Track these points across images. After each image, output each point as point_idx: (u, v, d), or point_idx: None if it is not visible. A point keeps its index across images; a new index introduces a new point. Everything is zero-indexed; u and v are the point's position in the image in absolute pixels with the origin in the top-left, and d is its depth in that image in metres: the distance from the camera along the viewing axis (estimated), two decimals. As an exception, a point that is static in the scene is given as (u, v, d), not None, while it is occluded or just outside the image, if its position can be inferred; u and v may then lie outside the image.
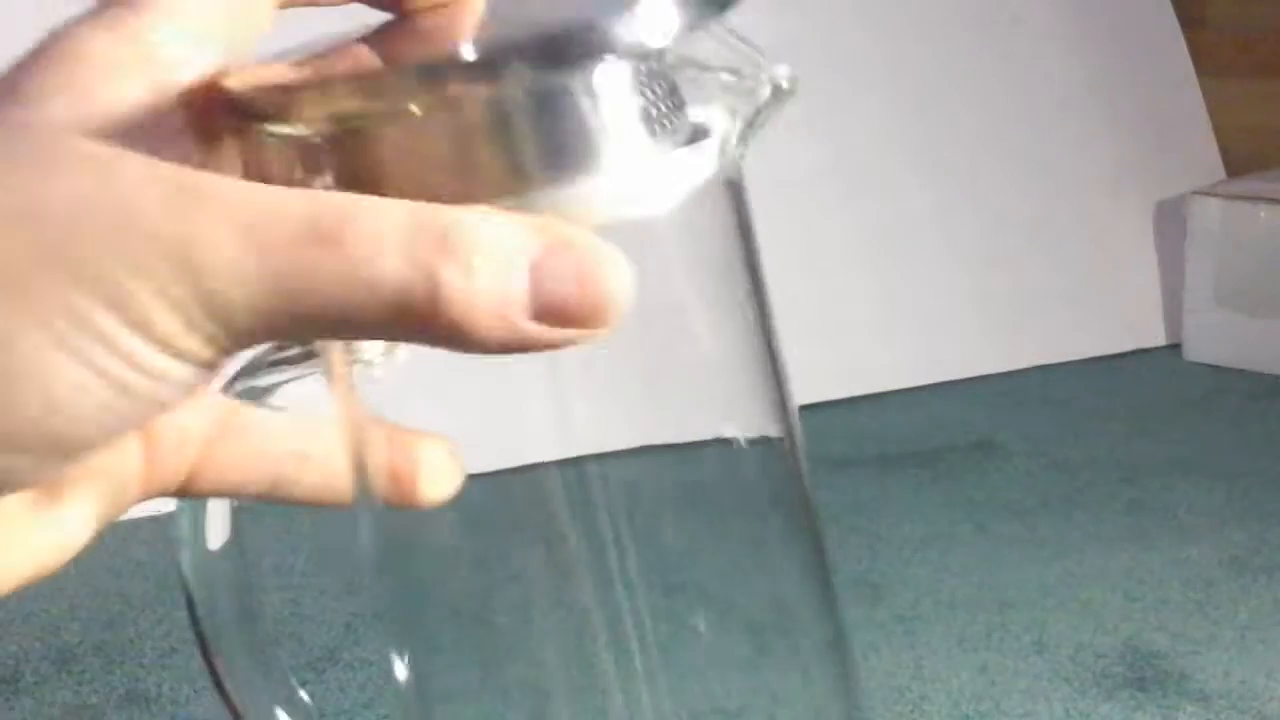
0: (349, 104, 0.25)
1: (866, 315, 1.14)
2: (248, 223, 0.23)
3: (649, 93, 0.26)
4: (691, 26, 0.25)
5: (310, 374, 0.31)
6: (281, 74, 0.26)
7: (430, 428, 0.32)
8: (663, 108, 0.26)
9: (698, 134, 0.27)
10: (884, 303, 1.15)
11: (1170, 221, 1.24)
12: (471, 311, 0.23)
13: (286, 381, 0.31)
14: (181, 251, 0.23)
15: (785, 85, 0.28)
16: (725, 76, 0.28)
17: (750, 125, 0.28)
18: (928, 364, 1.12)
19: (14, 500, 0.27)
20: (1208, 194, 1.19)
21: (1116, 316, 1.22)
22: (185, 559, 0.34)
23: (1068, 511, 0.90)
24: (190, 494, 0.32)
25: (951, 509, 0.91)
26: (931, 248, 1.15)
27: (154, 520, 0.92)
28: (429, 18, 0.28)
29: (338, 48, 0.28)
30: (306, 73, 0.26)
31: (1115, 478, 0.95)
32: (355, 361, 0.30)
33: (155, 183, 0.24)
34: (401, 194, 0.24)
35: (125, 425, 0.25)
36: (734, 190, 0.29)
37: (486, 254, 0.23)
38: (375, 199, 0.24)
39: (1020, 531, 0.87)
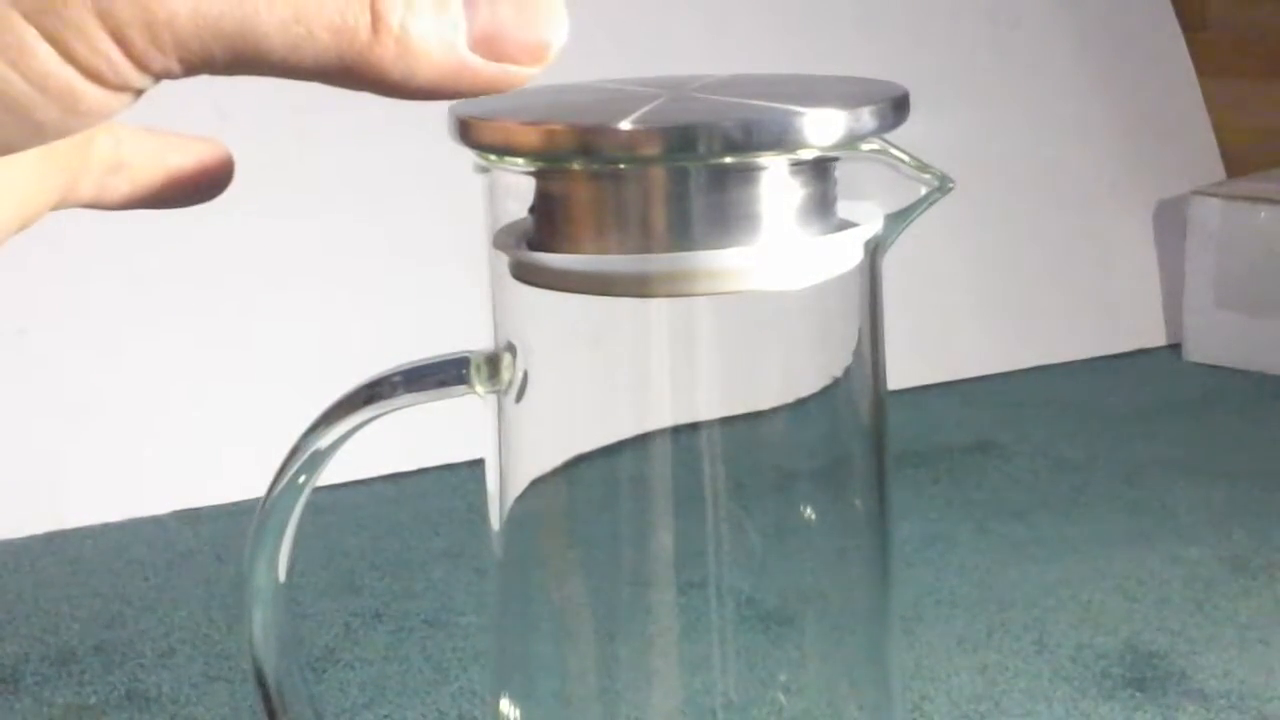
0: (568, 149, 0.28)
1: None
2: None
3: (808, 183, 0.30)
4: (855, 135, 0.29)
5: (371, 419, 0.33)
6: (509, 112, 0.30)
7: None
8: (817, 198, 0.30)
9: (845, 225, 0.31)
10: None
11: (1170, 221, 1.24)
12: (411, 32, 0.23)
13: (351, 432, 0.33)
14: None
15: (939, 185, 0.31)
16: (882, 173, 0.31)
17: (901, 220, 0.32)
18: (928, 364, 1.12)
19: None
20: (1208, 194, 1.19)
21: (1116, 316, 1.22)
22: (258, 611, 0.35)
23: (1068, 511, 0.90)
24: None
25: (951, 509, 0.91)
26: (931, 248, 1.15)
27: (154, 520, 0.92)
28: None
29: None
30: (531, 115, 0.29)
31: (1115, 478, 0.95)
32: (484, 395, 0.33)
33: None
34: (580, 229, 0.29)
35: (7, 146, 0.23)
36: (871, 274, 0.33)
37: None
38: None
39: (1020, 531, 0.87)
